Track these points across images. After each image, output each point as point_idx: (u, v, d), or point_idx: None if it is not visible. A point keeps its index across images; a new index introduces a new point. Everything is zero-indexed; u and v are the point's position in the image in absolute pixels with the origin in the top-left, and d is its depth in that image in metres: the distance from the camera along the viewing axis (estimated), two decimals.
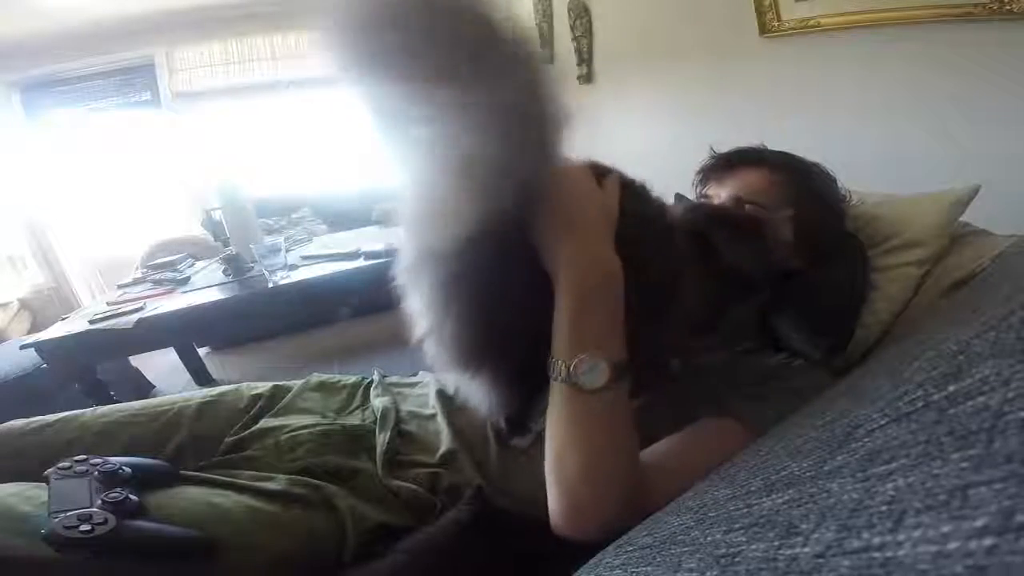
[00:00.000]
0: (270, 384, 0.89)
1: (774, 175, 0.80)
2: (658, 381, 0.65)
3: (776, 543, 0.21)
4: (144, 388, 2.41)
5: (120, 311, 1.52)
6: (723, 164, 0.85)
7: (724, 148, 0.89)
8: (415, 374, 0.98)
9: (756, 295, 0.69)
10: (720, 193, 0.82)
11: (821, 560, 0.18)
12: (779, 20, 1.77)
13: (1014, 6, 1.15)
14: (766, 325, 0.85)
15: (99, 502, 0.52)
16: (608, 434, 0.51)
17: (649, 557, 0.31)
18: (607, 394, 0.50)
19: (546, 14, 3.31)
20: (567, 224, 0.52)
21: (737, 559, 0.23)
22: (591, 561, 0.39)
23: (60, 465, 0.57)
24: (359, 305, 1.85)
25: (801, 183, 0.80)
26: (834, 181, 0.84)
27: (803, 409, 0.48)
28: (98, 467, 0.57)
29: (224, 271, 1.79)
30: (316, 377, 0.93)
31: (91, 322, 1.45)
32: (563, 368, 0.50)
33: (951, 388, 0.22)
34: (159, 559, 0.53)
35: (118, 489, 0.55)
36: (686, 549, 0.28)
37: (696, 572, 0.25)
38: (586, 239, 0.52)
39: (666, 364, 0.64)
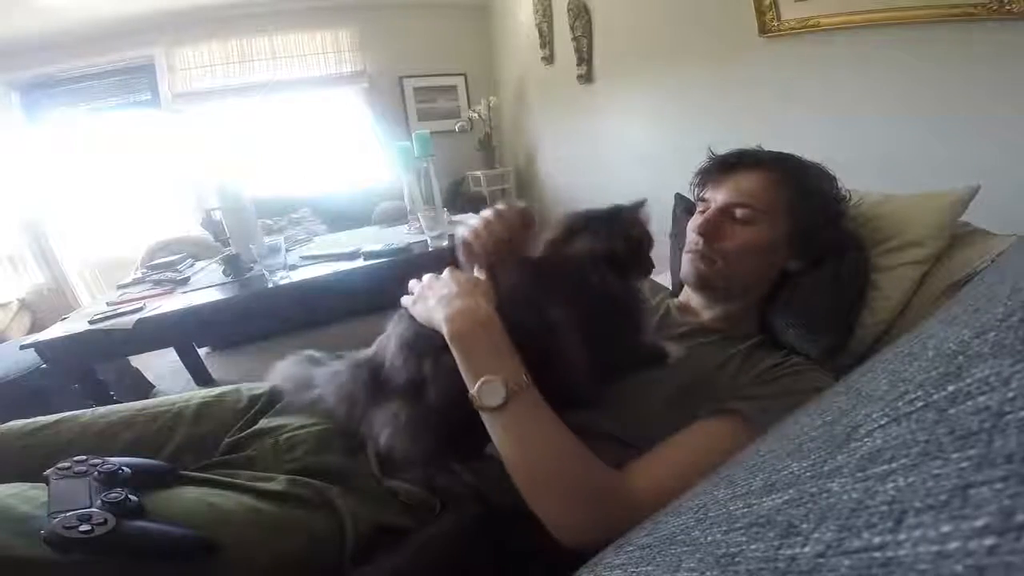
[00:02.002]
0: (269, 384, 0.89)
1: (771, 177, 0.80)
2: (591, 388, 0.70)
3: (776, 543, 0.21)
4: (144, 388, 2.42)
5: (120, 311, 1.51)
6: (720, 167, 0.85)
7: (723, 148, 0.89)
8: None
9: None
10: (716, 196, 0.82)
11: (821, 560, 0.18)
12: (779, 20, 1.77)
13: (1014, 6, 1.15)
14: (766, 323, 0.85)
15: (99, 502, 0.52)
16: (530, 443, 0.59)
17: (649, 557, 0.31)
18: (512, 406, 0.59)
19: (546, 14, 3.31)
20: (437, 303, 0.68)
21: (737, 559, 0.23)
22: (591, 561, 0.39)
23: (60, 465, 0.57)
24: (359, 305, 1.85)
25: (798, 184, 0.80)
26: (833, 181, 0.84)
27: (803, 409, 0.48)
28: (98, 467, 0.57)
29: (224, 271, 1.79)
30: None
31: (91, 322, 1.45)
32: (472, 398, 0.60)
33: (951, 388, 0.22)
34: (159, 559, 0.53)
35: (118, 489, 0.55)
36: (686, 549, 0.28)
37: (696, 572, 0.25)
38: (452, 304, 0.66)
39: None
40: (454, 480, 0.69)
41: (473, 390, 0.61)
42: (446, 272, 0.75)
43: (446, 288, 0.70)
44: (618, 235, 0.70)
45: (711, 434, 0.64)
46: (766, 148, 0.88)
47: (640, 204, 0.74)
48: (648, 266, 0.73)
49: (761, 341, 0.81)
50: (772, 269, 0.83)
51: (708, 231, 0.80)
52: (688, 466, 0.55)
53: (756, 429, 0.57)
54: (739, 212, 0.79)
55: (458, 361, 0.63)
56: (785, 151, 0.86)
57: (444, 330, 0.64)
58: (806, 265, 0.82)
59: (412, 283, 0.77)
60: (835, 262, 0.82)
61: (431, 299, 0.70)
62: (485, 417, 0.61)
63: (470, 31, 4.40)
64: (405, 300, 0.76)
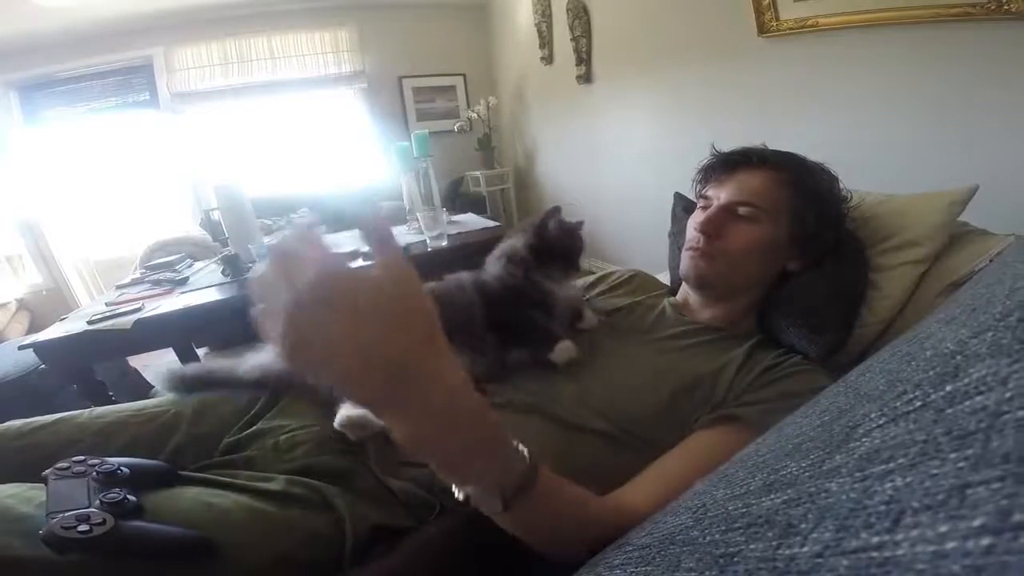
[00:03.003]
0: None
1: (776, 176, 0.80)
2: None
3: (775, 543, 0.21)
4: (143, 389, 2.41)
5: (118, 311, 1.51)
6: (724, 165, 0.85)
7: (722, 148, 0.89)
8: None
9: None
10: (720, 194, 0.82)
11: (819, 560, 0.18)
12: (777, 20, 1.78)
13: (1012, 6, 1.15)
14: (764, 322, 0.85)
15: (97, 502, 0.52)
16: (538, 532, 0.50)
17: (648, 557, 0.31)
18: (514, 511, 0.45)
19: (545, 14, 3.32)
20: (365, 369, 0.35)
21: (736, 559, 0.23)
22: (591, 561, 0.39)
23: (58, 466, 0.57)
24: None
25: (803, 184, 0.80)
26: (836, 182, 0.84)
27: (801, 409, 0.48)
28: (96, 467, 0.57)
29: (223, 271, 1.79)
30: None
31: (89, 322, 1.44)
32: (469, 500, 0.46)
33: (948, 388, 0.22)
34: (158, 559, 0.53)
35: (116, 489, 0.54)
36: (685, 549, 0.28)
37: (695, 572, 0.25)
38: (403, 384, 0.36)
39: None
40: None
41: (460, 495, 0.46)
42: (360, 275, 0.36)
43: (380, 328, 0.35)
44: (531, 236, 0.82)
45: (714, 444, 0.64)
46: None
47: (555, 209, 0.83)
48: (571, 261, 0.83)
49: (760, 341, 0.81)
50: (772, 269, 0.83)
51: (710, 229, 0.80)
52: (695, 475, 0.54)
53: (759, 434, 0.58)
54: (742, 210, 0.79)
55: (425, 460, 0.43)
56: (788, 151, 0.86)
57: (392, 431, 0.38)
58: (805, 265, 0.82)
59: (259, 270, 0.37)
60: (835, 262, 0.82)
61: (332, 338, 0.34)
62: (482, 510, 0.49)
63: (469, 31, 4.40)
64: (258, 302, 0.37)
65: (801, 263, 0.82)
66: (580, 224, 0.86)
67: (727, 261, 0.80)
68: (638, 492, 0.59)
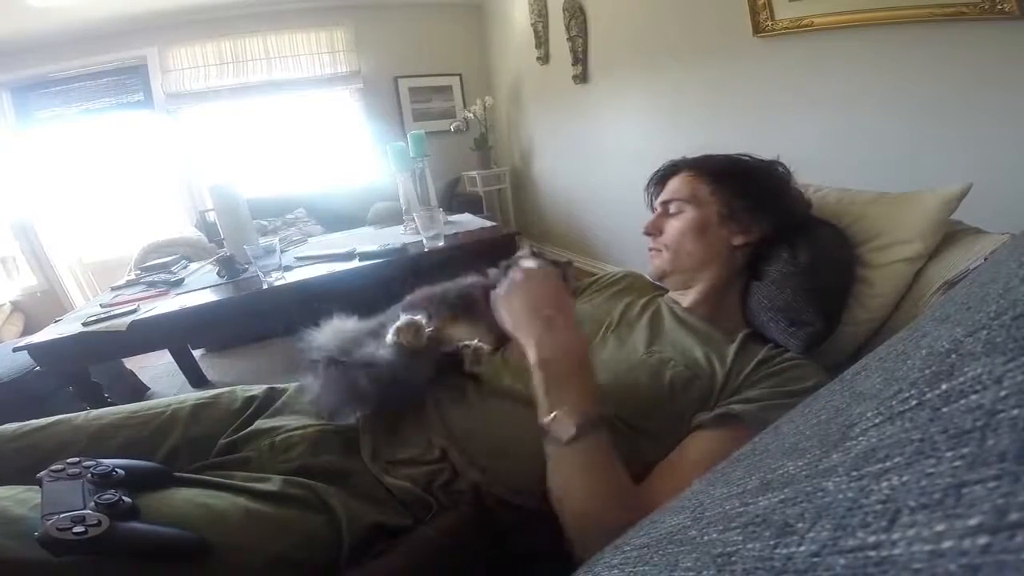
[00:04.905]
0: (264, 386, 0.89)
1: (692, 174, 0.92)
2: None
3: (772, 542, 0.22)
4: (138, 390, 2.40)
5: (114, 313, 1.51)
6: (658, 179, 1.00)
7: (717, 148, 0.97)
8: None
9: None
10: (657, 202, 0.97)
11: (817, 559, 0.18)
12: (772, 20, 1.78)
13: (1005, 6, 1.16)
14: (748, 317, 0.87)
15: (92, 504, 0.52)
16: (591, 474, 0.60)
17: (646, 557, 0.31)
18: (578, 444, 0.60)
19: (541, 14, 3.32)
20: (531, 316, 0.72)
21: (733, 558, 0.23)
22: (589, 561, 0.39)
23: (53, 467, 0.56)
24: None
25: (714, 171, 0.91)
26: (767, 164, 0.92)
27: (798, 407, 0.49)
28: (91, 469, 0.57)
29: (218, 272, 1.79)
30: None
31: (84, 324, 1.44)
32: (542, 426, 0.63)
33: (944, 387, 0.22)
34: (153, 560, 0.53)
35: (111, 491, 0.54)
36: (683, 548, 0.28)
37: (693, 571, 0.25)
38: (550, 329, 0.70)
39: None
40: (454, 478, 0.69)
41: (546, 419, 0.63)
42: (539, 272, 0.80)
43: (543, 301, 0.74)
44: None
45: (717, 445, 0.64)
46: (761, 147, 0.94)
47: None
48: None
49: (751, 334, 0.83)
50: (716, 245, 0.87)
51: (651, 229, 0.95)
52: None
53: (759, 431, 0.58)
54: (671, 207, 0.92)
55: (536, 385, 0.66)
56: (772, 151, 0.93)
57: (531, 352, 0.68)
58: (755, 238, 0.86)
59: (499, 275, 0.84)
60: (809, 252, 0.81)
61: (518, 302, 0.75)
62: (548, 447, 0.63)
63: (465, 31, 4.40)
64: (500, 289, 0.79)
65: (745, 236, 0.86)
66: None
67: (668, 250, 0.91)
68: (652, 494, 0.61)
